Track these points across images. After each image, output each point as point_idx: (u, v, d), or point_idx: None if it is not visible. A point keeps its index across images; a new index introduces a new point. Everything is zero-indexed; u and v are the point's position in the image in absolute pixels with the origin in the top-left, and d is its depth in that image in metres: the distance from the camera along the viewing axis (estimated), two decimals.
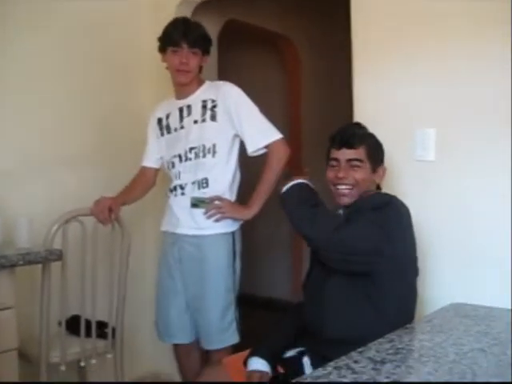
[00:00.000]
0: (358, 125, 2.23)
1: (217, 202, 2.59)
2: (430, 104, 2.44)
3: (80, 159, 3.22)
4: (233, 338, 2.65)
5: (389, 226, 1.90)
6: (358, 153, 2.08)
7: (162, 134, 2.81)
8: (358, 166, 2.07)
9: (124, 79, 3.50)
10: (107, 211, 2.68)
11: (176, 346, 2.81)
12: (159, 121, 2.84)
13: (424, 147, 2.40)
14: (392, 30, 2.54)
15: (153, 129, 2.88)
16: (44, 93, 3.08)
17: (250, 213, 2.63)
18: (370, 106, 2.60)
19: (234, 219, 2.64)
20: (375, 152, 2.13)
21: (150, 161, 2.91)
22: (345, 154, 2.08)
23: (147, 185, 2.95)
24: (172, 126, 2.77)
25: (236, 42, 3.03)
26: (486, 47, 2.29)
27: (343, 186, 2.08)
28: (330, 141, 2.15)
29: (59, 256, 2.52)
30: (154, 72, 3.44)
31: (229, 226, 2.65)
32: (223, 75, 2.68)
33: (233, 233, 2.66)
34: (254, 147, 2.62)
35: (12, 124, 2.94)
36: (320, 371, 1.31)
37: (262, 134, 2.62)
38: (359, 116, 2.62)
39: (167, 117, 2.80)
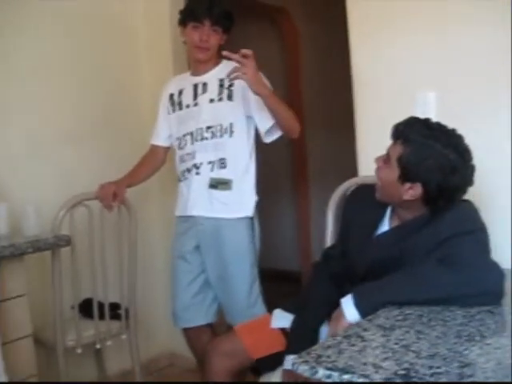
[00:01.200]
0: (430, 126, 1.78)
1: (243, 60, 2.29)
2: (430, 68, 2.42)
3: (84, 140, 3.21)
4: (261, 311, 2.63)
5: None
6: (393, 149, 1.79)
7: (174, 110, 2.77)
8: (386, 163, 1.81)
9: (121, 58, 3.46)
10: (111, 197, 2.68)
11: (186, 330, 2.79)
12: (171, 96, 2.79)
13: (424, 111, 2.37)
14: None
15: (163, 105, 2.83)
16: (46, 78, 3.06)
17: (265, 90, 2.39)
18: (369, 72, 2.58)
19: (250, 86, 2.36)
20: (412, 161, 1.74)
21: (161, 139, 2.88)
22: (390, 145, 1.83)
23: (156, 164, 2.93)
24: (184, 103, 2.73)
25: (234, 15, 3.02)
26: (485, 13, 2.26)
27: (375, 174, 1.88)
28: None
29: (68, 242, 2.53)
30: (148, 44, 3.45)
31: (248, 210, 2.63)
32: (222, 50, 2.65)
33: (251, 217, 2.64)
34: (265, 126, 2.56)
35: (15, 111, 2.93)
36: (330, 340, 1.32)
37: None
38: (358, 83, 2.61)
39: (180, 93, 2.76)
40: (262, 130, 2.57)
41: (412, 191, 1.76)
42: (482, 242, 1.73)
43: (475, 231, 1.73)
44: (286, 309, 2.12)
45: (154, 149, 2.91)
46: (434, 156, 1.71)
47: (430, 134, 1.73)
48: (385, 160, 1.82)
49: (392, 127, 1.82)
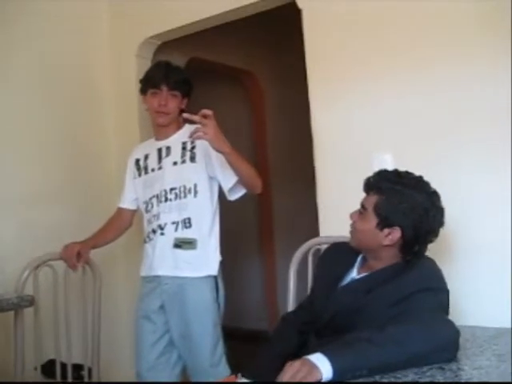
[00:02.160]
0: (396, 174, 1.92)
1: (204, 121, 2.34)
2: (387, 130, 2.53)
3: (50, 201, 3.25)
4: (225, 371, 2.64)
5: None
6: (367, 200, 1.91)
7: (140, 175, 2.83)
8: (362, 214, 1.91)
9: (87, 118, 3.54)
10: (75, 257, 2.71)
11: None
12: (137, 161, 2.86)
13: None
14: (345, 59, 2.66)
15: (130, 170, 2.89)
16: (15, 139, 3.12)
17: (226, 147, 2.40)
18: (327, 134, 2.69)
19: (210, 145, 2.41)
20: (387, 209, 1.85)
21: (127, 202, 2.92)
22: (363, 198, 1.95)
23: (123, 226, 2.96)
24: (150, 167, 2.79)
25: (200, 79, 3.10)
26: (434, 72, 2.41)
27: (350, 229, 1.97)
28: None
29: (31, 302, 2.51)
30: (115, 111, 3.54)
31: (212, 269, 2.65)
32: (189, 112, 2.72)
33: (215, 276, 2.66)
34: (228, 184, 2.59)
35: None
36: None
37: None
38: (318, 144, 2.71)
39: (145, 158, 2.82)
40: (226, 187, 2.61)
41: (391, 236, 1.85)
42: (442, 301, 1.79)
43: (437, 290, 1.79)
44: (247, 375, 2.06)
45: (121, 211, 2.95)
46: (406, 199, 1.83)
47: (399, 180, 1.87)
48: (360, 212, 1.92)
49: (364, 181, 1.94)
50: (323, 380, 1.43)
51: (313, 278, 2.22)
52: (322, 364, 1.45)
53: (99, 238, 2.87)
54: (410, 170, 1.93)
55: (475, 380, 1.46)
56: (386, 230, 1.86)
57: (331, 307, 1.91)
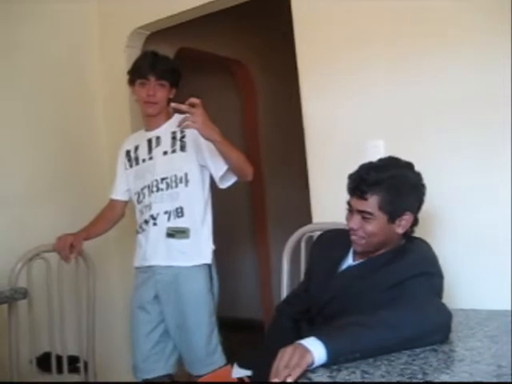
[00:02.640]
0: (380, 165, 1.89)
1: (192, 110, 2.34)
2: (378, 117, 2.53)
3: (43, 195, 3.24)
4: (220, 360, 2.66)
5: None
6: (368, 204, 1.84)
7: (131, 166, 2.83)
8: (368, 219, 1.85)
9: (78, 111, 3.54)
10: (68, 248, 2.71)
11: (146, 382, 2.76)
12: (127, 153, 2.86)
13: (373, 159, 2.46)
14: (336, 47, 2.65)
15: (121, 161, 2.90)
16: (6, 133, 3.12)
17: (215, 135, 2.40)
18: (318, 122, 2.69)
19: (201, 133, 2.40)
20: (392, 201, 1.83)
21: (119, 193, 2.93)
22: (356, 203, 1.87)
23: (115, 217, 2.97)
24: (140, 157, 2.79)
25: (189, 69, 3.10)
26: (425, 60, 2.41)
27: (355, 237, 1.90)
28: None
29: (24, 294, 2.52)
30: (105, 102, 3.55)
31: (205, 258, 2.66)
32: (178, 102, 2.71)
33: (209, 264, 2.67)
34: (219, 172, 2.59)
35: None
36: (277, 381, 1.36)
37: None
38: (310, 132, 2.71)
39: (136, 149, 2.83)
40: (217, 176, 2.62)
41: (405, 222, 1.86)
42: (436, 285, 1.80)
43: (432, 275, 1.80)
44: (242, 365, 2.08)
45: (113, 203, 2.95)
46: (402, 182, 1.83)
47: (386, 168, 1.85)
48: (363, 218, 1.86)
49: (350, 187, 1.89)
50: (316, 363, 1.44)
51: (307, 265, 2.21)
52: (315, 347, 1.45)
53: (91, 230, 2.87)
54: (402, 158, 1.93)
55: (467, 361, 1.47)
56: (397, 221, 1.86)
57: (327, 293, 1.92)
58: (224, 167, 2.57)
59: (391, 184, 1.82)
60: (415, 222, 1.92)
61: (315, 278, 2.04)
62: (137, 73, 2.74)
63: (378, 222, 1.84)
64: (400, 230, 1.87)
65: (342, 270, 1.98)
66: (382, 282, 1.80)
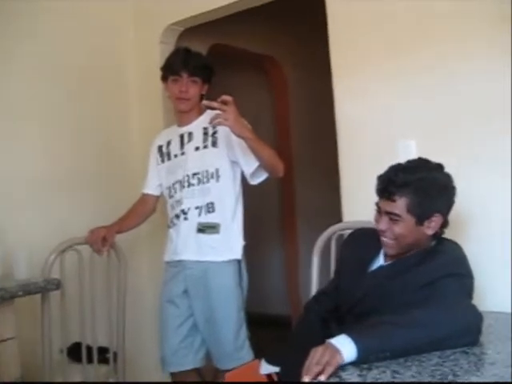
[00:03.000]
0: (408, 166, 1.89)
1: (224, 107, 2.37)
2: (412, 117, 2.52)
3: (77, 190, 3.28)
4: (248, 355, 2.68)
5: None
6: (396, 206, 1.83)
7: (163, 161, 2.85)
8: (397, 220, 1.85)
9: (112, 105, 3.58)
10: (100, 241, 2.75)
11: (174, 374, 2.80)
12: (159, 148, 2.88)
13: (406, 159, 2.45)
14: (370, 46, 2.64)
15: (153, 156, 2.92)
16: (41, 128, 3.17)
17: (247, 132, 2.43)
18: (351, 121, 2.69)
19: (232, 130, 2.42)
20: (420, 203, 1.82)
21: (151, 188, 2.95)
22: (384, 205, 1.87)
23: (146, 212, 2.99)
24: (172, 153, 2.81)
25: (222, 65, 3.11)
26: (461, 62, 2.39)
27: (385, 238, 1.90)
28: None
29: (57, 285, 2.57)
30: (139, 97, 3.59)
31: (235, 253, 2.67)
32: (211, 99, 2.73)
33: (239, 260, 2.69)
34: (250, 169, 2.61)
35: (4, 150, 3.00)
36: (308, 379, 1.37)
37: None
38: (342, 131, 2.71)
39: (168, 144, 2.85)
40: (248, 172, 2.63)
41: (434, 224, 1.85)
42: (466, 286, 1.80)
43: (463, 276, 1.80)
44: (270, 361, 2.07)
45: (145, 197, 2.98)
46: (431, 184, 1.83)
47: (414, 171, 1.84)
48: (391, 220, 1.86)
49: (379, 188, 1.89)
50: (346, 361, 1.45)
51: (337, 263, 2.21)
52: (345, 346, 1.47)
53: (123, 224, 2.91)
54: (433, 159, 1.92)
55: (498, 364, 1.46)
56: (426, 223, 1.85)
57: (358, 292, 1.92)
58: (255, 164, 2.58)
59: (419, 186, 1.82)
60: (445, 224, 1.91)
61: (346, 277, 2.05)
62: (169, 69, 2.76)
63: (406, 224, 1.84)
64: (429, 232, 1.86)
65: (373, 269, 1.98)
66: (413, 282, 1.80)
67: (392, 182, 1.84)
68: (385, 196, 1.86)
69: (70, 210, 3.23)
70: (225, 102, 2.36)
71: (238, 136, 2.44)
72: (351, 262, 2.06)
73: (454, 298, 1.71)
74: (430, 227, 1.85)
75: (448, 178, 1.89)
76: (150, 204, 2.97)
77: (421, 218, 1.84)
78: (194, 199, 2.68)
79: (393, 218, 1.85)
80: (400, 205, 1.83)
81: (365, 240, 2.06)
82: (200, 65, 2.76)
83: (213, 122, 2.41)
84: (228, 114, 2.35)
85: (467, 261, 1.86)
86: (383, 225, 1.88)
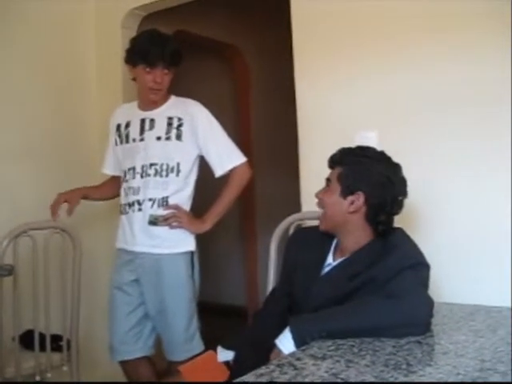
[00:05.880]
0: (356, 147, 2.00)
1: (175, 212, 2.59)
2: (371, 108, 2.53)
3: (29, 160, 3.24)
4: (198, 346, 2.66)
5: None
6: (332, 173, 1.96)
7: (121, 142, 2.76)
8: (328, 188, 1.96)
9: (72, 88, 3.54)
10: (57, 205, 2.72)
11: (123, 363, 2.77)
12: (118, 127, 2.79)
13: None
14: (332, 35, 2.64)
15: (112, 134, 2.84)
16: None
17: (204, 227, 2.65)
18: (312, 110, 2.69)
19: (188, 231, 2.63)
20: (349, 175, 1.91)
21: (109, 167, 2.91)
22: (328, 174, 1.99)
23: (115, 190, 2.88)
24: (131, 136, 2.72)
25: (185, 52, 3.07)
26: (419, 52, 2.41)
27: (318, 207, 2.00)
28: None
29: (10, 271, 2.51)
30: (99, 81, 3.56)
31: (188, 245, 2.66)
32: (172, 86, 2.69)
33: (192, 252, 2.67)
34: (221, 171, 2.62)
35: None
36: (263, 369, 1.37)
37: (228, 157, 2.64)
38: (303, 120, 2.71)
39: (127, 125, 2.75)
40: (217, 173, 2.65)
41: (356, 201, 1.89)
42: (422, 276, 1.80)
43: (419, 264, 1.81)
44: (226, 346, 2.09)
45: (111, 177, 2.93)
46: (368, 168, 1.89)
47: (363, 153, 1.94)
48: (326, 188, 1.97)
49: (328, 158, 1.99)
50: (287, 353, 1.56)
51: (284, 266, 2.15)
52: (283, 342, 1.62)
53: (93, 191, 2.90)
54: (393, 150, 1.95)
55: (451, 354, 1.48)
56: (350, 198, 1.90)
57: (313, 299, 1.89)
58: (228, 166, 2.64)
59: (355, 161, 1.91)
60: (389, 220, 1.92)
61: (298, 283, 2.01)
62: (144, 59, 2.60)
63: (333, 192, 1.92)
64: (350, 209, 1.90)
65: (324, 272, 1.96)
66: (372, 282, 1.78)
67: (337, 153, 1.97)
68: (329, 165, 1.98)
69: (20, 182, 3.18)
70: (175, 208, 2.60)
71: (196, 233, 2.65)
72: (300, 266, 2.02)
73: (408, 289, 1.71)
74: (352, 205, 1.89)
75: (391, 170, 1.91)
76: (118, 183, 2.84)
77: (345, 191, 1.90)
78: (150, 190, 2.63)
79: (328, 184, 1.96)
80: (335, 172, 1.94)
81: (309, 240, 2.06)
82: (176, 54, 2.65)
83: (169, 224, 2.60)
84: (179, 217, 2.60)
85: (419, 248, 1.87)
86: (318, 192, 1.99)
